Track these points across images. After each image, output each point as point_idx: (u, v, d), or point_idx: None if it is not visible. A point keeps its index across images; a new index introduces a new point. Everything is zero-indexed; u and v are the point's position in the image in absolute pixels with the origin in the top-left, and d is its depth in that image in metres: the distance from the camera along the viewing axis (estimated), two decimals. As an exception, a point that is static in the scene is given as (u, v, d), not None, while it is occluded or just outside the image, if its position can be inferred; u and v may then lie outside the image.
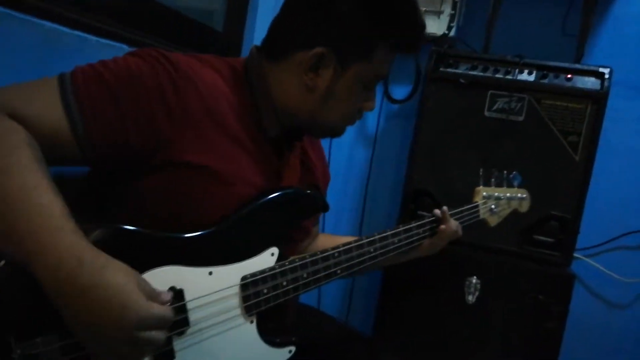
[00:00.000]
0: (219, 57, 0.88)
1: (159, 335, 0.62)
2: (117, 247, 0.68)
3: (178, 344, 0.73)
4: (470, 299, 1.65)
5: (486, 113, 1.65)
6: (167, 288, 0.72)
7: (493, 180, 1.29)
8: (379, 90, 1.96)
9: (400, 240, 1.03)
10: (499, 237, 1.62)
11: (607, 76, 1.55)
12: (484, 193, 1.25)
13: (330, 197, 2.03)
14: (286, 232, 0.88)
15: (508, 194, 1.30)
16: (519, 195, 1.33)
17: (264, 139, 0.88)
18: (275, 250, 0.84)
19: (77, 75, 0.71)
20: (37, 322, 0.61)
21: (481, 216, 1.23)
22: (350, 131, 2.02)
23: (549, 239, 1.62)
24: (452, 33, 1.81)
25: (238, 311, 0.80)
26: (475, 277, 1.65)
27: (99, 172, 0.81)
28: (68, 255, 0.57)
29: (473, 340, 1.64)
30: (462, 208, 1.18)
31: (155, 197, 0.77)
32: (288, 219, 0.88)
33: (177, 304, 0.72)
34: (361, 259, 0.95)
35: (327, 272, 0.90)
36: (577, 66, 1.61)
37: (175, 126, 0.75)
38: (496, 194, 1.28)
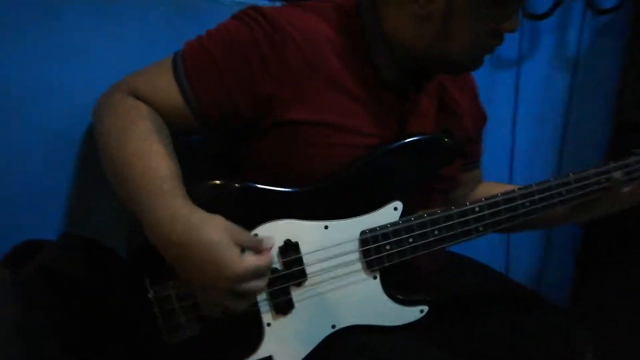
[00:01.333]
0: (330, 1, 0.82)
1: (258, 284, 0.65)
2: (234, 201, 0.73)
3: (297, 294, 0.75)
4: None
5: None
6: (282, 241, 0.73)
7: None
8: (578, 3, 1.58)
9: (569, 192, 0.84)
10: None
11: None
12: None
13: (520, 135, 1.78)
14: (414, 184, 0.79)
15: None
16: None
17: (380, 83, 0.80)
18: (398, 204, 0.78)
19: (185, 52, 0.75)
20: (168, 268, 0.69)
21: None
22: (544, 53, 1.71)
23: None
24: None
25: (359, 266, 0.77)
26: None
27: (224, 137, 0.85)
28: (163, 215, 0.62)
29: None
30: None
31: (271, 155, 0.79)
32: (415, 170, 0.79)
33: (293, 256, 0.74)
34: (511, 214, 0.81)
35: (465, 229, 0.79)
36: None
37: (277, 83, 0.74)
38: None
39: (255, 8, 0.77)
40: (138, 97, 0.74)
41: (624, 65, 1.37)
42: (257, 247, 0.67)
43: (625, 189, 0.85)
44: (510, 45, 1.74)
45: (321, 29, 0.78)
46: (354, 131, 0.78)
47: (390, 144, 0.77)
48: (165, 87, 0.75)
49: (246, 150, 0.82)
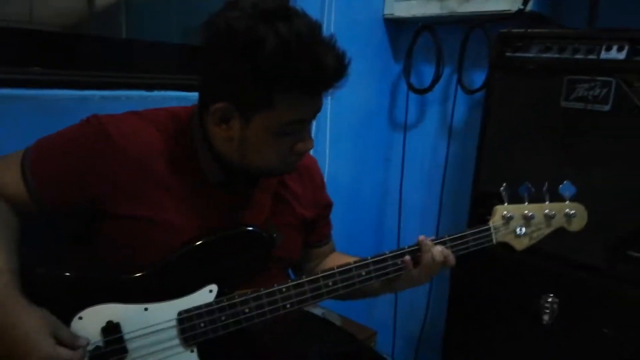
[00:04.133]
0: (167, 110, 0.96)
1: None
2: (61, 287, 0.86)
3: (119, 368, 0.87)
4: (546, 319, 1.44)
5: (562, 103, 1.38)
6: (104, 322, 0.85)
7: (526, 194, 1.10)
8: (453, 79, 1.78)
9: (368, 273, 0.98)
10: (584, 250, 1.37)
11: None
12: (504, 212, 1.08)
13: (408, 195, 1.95)
14: (230, 269, 0.93)
15: (547, 211, 1.09)
16: (567, 211, 1.10)
17: (207, 184, 0.94)
18: (214, 287, 0.91)
19: (33, 149, 0.89)
20: None
21: (496, 240, 1.07)
22: (430, 123, 1.90)
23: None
24: (530, 7, 1.53)
25: (177, 341, 0.89)
26: (552, 295, 1.43)
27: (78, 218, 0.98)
28: None
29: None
30: (465, 232, 1.04)
31: (106, 239, 0.92)
32: (229, 258, 0.93)
33: (115, 336, 0.86)
34: (316, 293, 0.95)
35: (273, 307, 0.92)
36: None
37: (105, 185, 0.88)
38: (526, 212, 1.09)
39: (97, 117, 0.91)
40: None
41: (479, 140, 1.55)
42: (72, 344, 0.79)
43: (415, 271, 0.99)
44: (402, 112, 1.93)
45: (152, 138, 0.91)
46: (175, 226, 0.91)
47: (202, 237, 0.91)
48: (14, 181, 0.88)
49: (90, 232, 0.94)
